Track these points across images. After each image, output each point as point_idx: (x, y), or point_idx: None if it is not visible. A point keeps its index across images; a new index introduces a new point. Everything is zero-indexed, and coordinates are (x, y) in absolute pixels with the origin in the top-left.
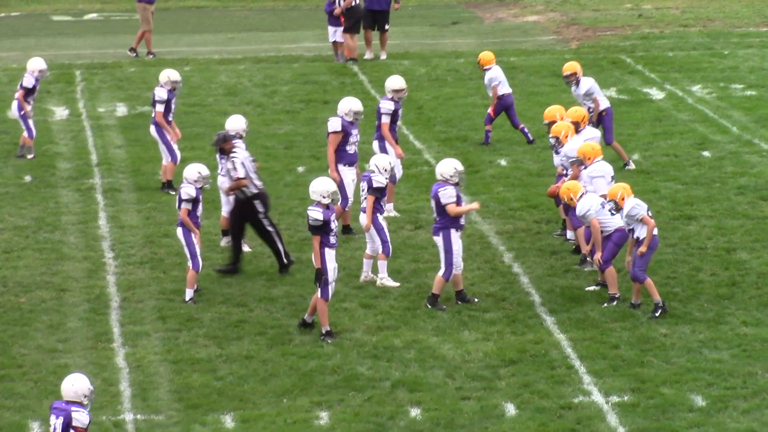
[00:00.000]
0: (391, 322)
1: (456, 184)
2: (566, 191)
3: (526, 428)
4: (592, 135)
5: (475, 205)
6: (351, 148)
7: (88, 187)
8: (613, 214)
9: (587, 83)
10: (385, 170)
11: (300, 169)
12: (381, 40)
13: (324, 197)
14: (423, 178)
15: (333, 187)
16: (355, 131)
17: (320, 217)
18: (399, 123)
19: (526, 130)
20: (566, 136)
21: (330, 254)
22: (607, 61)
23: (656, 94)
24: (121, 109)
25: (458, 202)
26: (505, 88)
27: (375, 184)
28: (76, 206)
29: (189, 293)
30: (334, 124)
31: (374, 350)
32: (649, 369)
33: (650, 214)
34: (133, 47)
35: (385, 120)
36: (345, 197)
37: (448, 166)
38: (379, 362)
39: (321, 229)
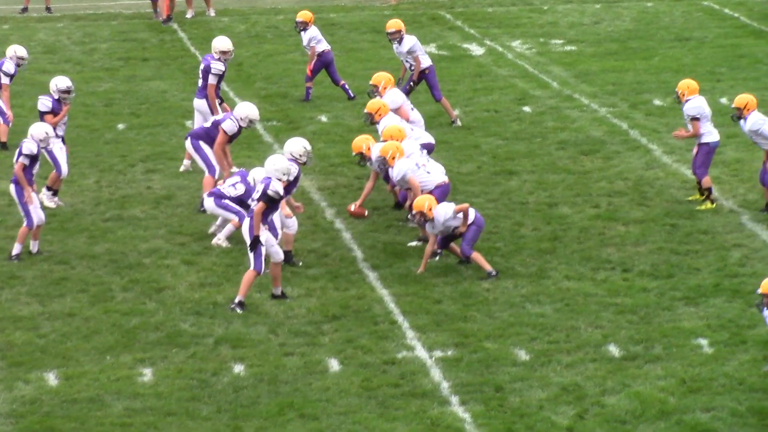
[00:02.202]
0: (213, 279)
1: (304, 164)
2: (391, 148)
3: (350, 383)
4: (395, 97)
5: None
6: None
7: None
8: (419, 223)
9: (410, 41)
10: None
11: (120, 126)
12: None
13: (285, 174)
14: (243, 134)
15: (290, 165)
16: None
17: (281, 192)
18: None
19: (346, 86)
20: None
21: (263, 228)
22: (426, 17)
23: (476, 49)
24: None
25: (294, 184)
26: (323, 45)
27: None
28: None
29: (17, 248)
30: (231, 127)
31: (197, 307)
32: (472, 324)
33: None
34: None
35: (213, 81)
36: (211, 167)
37: (298, 146)
38: (202, 319)
39: (272, 202)
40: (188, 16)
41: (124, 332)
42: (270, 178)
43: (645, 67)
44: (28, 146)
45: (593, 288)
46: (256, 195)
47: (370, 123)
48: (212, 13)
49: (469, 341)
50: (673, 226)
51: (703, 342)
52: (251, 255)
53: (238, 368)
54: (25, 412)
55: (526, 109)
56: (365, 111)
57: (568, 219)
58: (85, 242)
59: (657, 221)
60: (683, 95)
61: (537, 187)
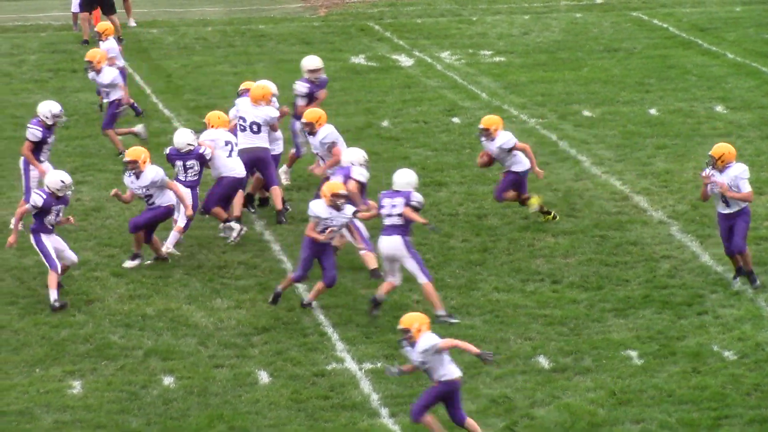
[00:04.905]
0: (143, 291)
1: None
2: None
3: (280, 396)
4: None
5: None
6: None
7: None
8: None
9: (110, 73)
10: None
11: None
12: (125, 7)
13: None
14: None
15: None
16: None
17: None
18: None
19: (134, 104)
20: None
21: None
22: (355, 28)
23: (405, 60)
24: None
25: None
26: (121, 61)
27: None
28: None
29: (53, 294)
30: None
31: (126, 319)
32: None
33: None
34: None
35: (301, 102)
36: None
37: (359, 155)
38: (131, 331)
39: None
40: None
41: (53, 345)
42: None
43: (574, 78)
44: (34, 199)
45: (523, 299)
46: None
47: (309, 133)
48: (133, 23)
49: (398, 353)
50: (603, 237)
51: (633, 354)
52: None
53: (168, 380)
54: None
55: (455, 120)
56: (304, 121)
57: (497, 230)
58: (14, 254)
59: (586, 232)
60: (495, 131)
61: (466, 199)
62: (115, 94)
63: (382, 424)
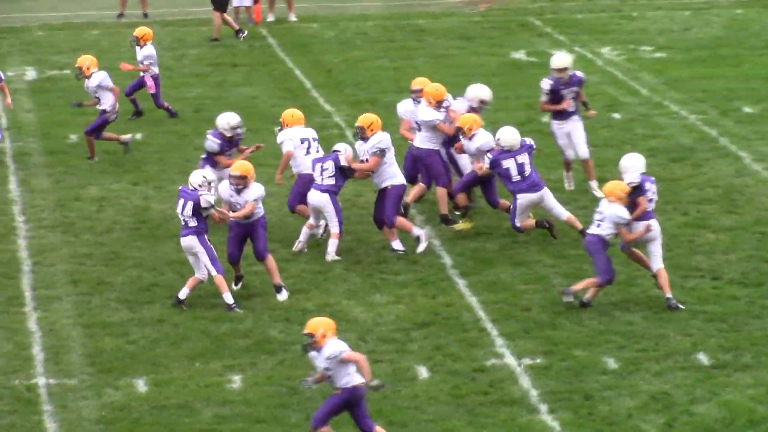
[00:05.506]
0: (302, 286)
1: None
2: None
3: (439, 391)
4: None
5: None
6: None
7: None
8: None
9: (98, 77)
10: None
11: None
12: (287, 2)
13: None
14: (333, 141)
15: None
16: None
17: None
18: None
19: (167, 106)
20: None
21: None
22: (516, 23)
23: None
24: (31, 73)
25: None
26: (156, 69)
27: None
28: None
29: (228, 297)
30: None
31: (286, 314)
32: (561, 331)
33: None
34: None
35: (543, 98)
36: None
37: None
38: (291, 325)
39: None
40: (269, 19)
41: (213, 339)
42: None
43: (735, 75)
44: (207, 199)
45: (682, 296)
46: None
47: (360, 138)
48: (293, 17)
49: (558, 349)
50: (764, 234)
51: None
52: None
53: None
54: (115, 418)
55: (616, 116)
56: (357, 125)
57: None
58: (174, 248)
59: (747, 229)
60: (469, 130)
61: None
62: (107, 101)
63: (541, 420)
